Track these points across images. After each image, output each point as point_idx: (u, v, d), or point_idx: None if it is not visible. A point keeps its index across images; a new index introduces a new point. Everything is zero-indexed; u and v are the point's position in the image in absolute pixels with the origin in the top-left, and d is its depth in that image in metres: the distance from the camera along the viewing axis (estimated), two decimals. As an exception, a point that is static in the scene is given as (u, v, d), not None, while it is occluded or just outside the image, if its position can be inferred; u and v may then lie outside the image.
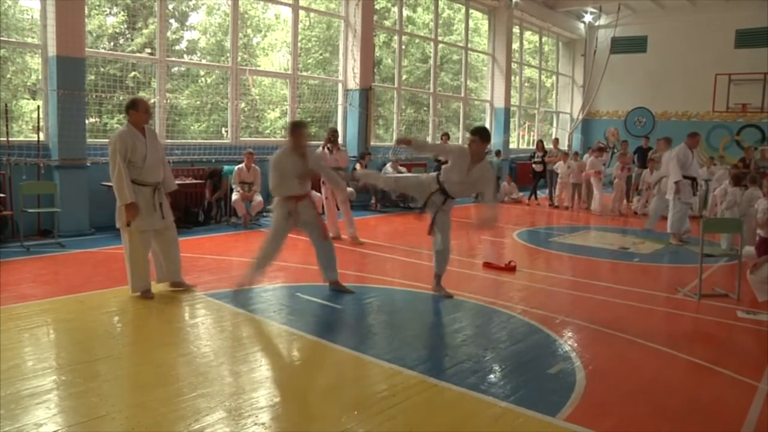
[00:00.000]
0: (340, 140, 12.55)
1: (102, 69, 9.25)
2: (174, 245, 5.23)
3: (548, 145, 15.03)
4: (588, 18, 19.46)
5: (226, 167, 9.69)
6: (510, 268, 6.56)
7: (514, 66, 17.22)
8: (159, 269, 5.26)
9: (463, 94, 15.97)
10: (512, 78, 16.95)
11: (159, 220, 5.04)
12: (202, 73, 11.70)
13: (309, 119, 12.78)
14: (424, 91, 15.50)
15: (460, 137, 15.97)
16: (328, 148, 8.15)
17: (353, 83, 12.18)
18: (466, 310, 5.09)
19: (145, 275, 5.04)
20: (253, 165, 9.26)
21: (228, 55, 10.54)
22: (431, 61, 14.96)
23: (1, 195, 7.09)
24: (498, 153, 14.99)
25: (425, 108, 15.52)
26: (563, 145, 17.13)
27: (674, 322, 4.94)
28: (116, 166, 4.73)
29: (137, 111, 4.89)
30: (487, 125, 16.96)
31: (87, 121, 8.34)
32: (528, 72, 19.04)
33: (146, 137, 4.94)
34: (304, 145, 4.99)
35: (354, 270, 6.36)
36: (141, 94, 9.69)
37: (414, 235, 8.81)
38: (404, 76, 14.90)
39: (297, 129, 5.01)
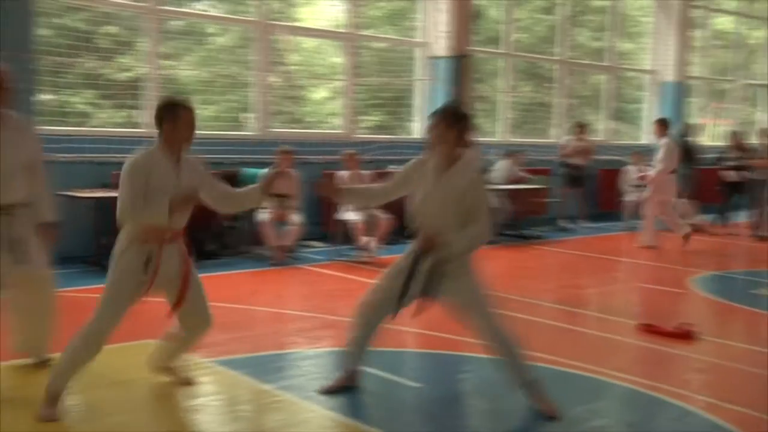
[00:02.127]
0: (417, 131, 12.68)
1: (60, 20, 9.60)
2: (40, 307, 4.96)
3: (752, 140, 14.52)
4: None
5: (247, 171, 9.97)
6: (683, 335, 6.37)
7: (695, 13, 16.83)
8: (15, 335, 5.03)
9: (609, 62, 15.72)
10: (691, 33, 16.60)
11: (6, 266, 4.65)
12: (213, 30, 12.09)
13: (372, 101, 12.97)
14: (547, 58, 15.39)
15: (603, 130, 15.71)
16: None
17: (440, 47, 12.26)
18: (612, 398, 4.96)
19: None
20: (290, 169, 9.47)
21: (252, 4, 10.88)
22: (560, 11, 14.86)
23: None
24: None
25: (549, 83, 15.40)
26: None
27: None
28: None
29: None
30: (645, 108, 16.65)
31: (33, 99, 8.59)
32: (720, 22, 18.50)
33: (1, 129, 4.63)
34: (185, 141, 4.40)
35: (442, 330, 6.29)
36: (121, 59, 10.11)
37: (530, 278, 8.71)
38: (518, 36, 14.87)
39: (174, 113, 4.36)
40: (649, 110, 16.41)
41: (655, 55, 16.38)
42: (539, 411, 4.52)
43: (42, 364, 5.02)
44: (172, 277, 4.39)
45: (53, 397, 4.22)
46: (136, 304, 4.33)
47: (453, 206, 4.43)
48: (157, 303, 4.51)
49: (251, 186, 4.67)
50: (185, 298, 4.44)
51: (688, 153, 13.58)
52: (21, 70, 8.14)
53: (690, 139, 14.29)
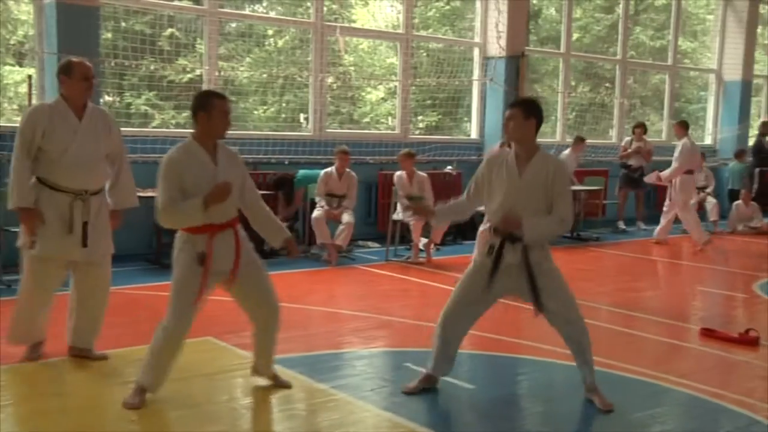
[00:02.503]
0: (473, 132, 12.64)
1: (124, 24, 9.85)
2: (98, 292, 5.16)
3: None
4: None
5: (300, 172, 10.03)
6: (748, 341, 6.21)
7: (763, 9, 16.45)
8: (68, 321, 5.24)
9: (670, 61, 15.51)
10: (758, 30, 16.22)
11: (75, 248, 4.89)
12: (270, 32, 12.20)
13: (428, 101, 12.96)
14: (606, 58, 15.22)
15: (664, 129, 15.45)
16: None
17: (496, 47, 12.22)
18: (673, 404, 4.88)
19: (29, 322, 5.07)
20: (347, 170, 9.51)
21: (309, 5, 10.97)
22: (620, 10, 14.67)
23: None
24: (741, 154, 14.41)
25: (608, 84, 15.20)
26: None
27: None
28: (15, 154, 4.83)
29: (69, 77, 4.93)
30: (710, 108, 16.32)
31: (101, 100, 8.89)
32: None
33: (83, 120, 4.91)
34: (220, 131, 4.36)
35: (496, 332, 6.27)
36: (181, 61, 10.28)
37: (587, 280, 8.60)
38: (576, 36, 14.70)
39: (208, 102, 4.32)
40: (714, 110, 16.09)
41: (720, 54, 16.02)
42: (596, 405, 4.60)
43: (83, 352, 5.19)
44: (231, 268, 4.39)
45: (139, 389, 4.37)
46: (204, 297, 4.36)
47: (538, 198, 4.49)
48: (220, 300, 4.57)
49: (280, 225, 4.70)
50: (237, 281, 4.44)
51: (762, 153, 13.35)
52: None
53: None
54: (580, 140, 12.28)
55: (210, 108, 4.26)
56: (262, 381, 4.80)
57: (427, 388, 4.77)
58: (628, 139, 13.33)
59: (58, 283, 5.15)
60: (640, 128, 13.16)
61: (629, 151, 12.96)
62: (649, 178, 11.92)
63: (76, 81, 4.90)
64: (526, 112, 4.51)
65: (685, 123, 11.64)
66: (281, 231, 4.65)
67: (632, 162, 12.94)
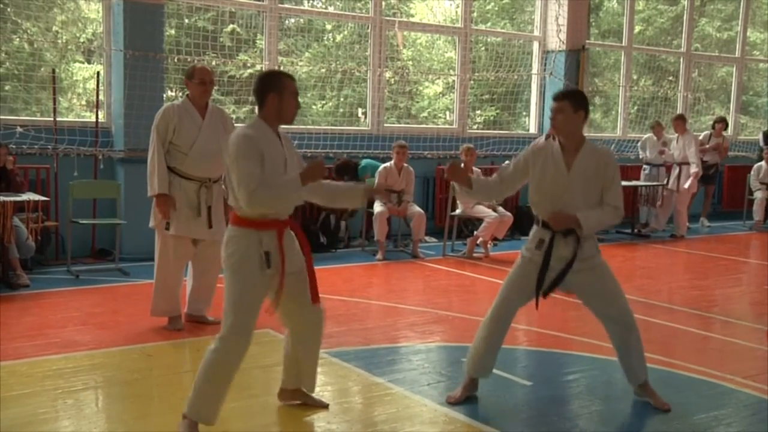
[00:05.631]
0: (531, 126, 12.50)
1: (187, 21, 9.98)
2: (213, 268, 5.85)
3: None
4: None
5: (365, 160, 10.03)
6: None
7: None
8: (187, 295, 6.08)
9: (738, 53, 15.14)
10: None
11: (203, 229, 5.70)
12: (329, 26, 12.24)
13: (486, 96, 12.85)
14: (670, 51, 14.88)
15: (731, 124, 15.05)
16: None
17: (556, 41, 12.07)
18: (738, 406, 4.76)
19: (171, 296, 5.84)
20: (405, 165, 9.49)
21: (368, 0, 10.96)
22: (685, 1, 14.33)
23: (44, 199, 7.61)
24: None
25: (671, 78, 14.86)
26: None
27: None
28: (152, 147, 5.62)
29: (191, 81, 5.68)
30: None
31: (164, 95, 9.06)
32: None
33: (206, 118, 5.69)
34: (291, 111, 4.07)
35: (554, 329, 6.20)
36: (242, 57, 10.37)
37: (647, 277, 8.43)
38: (638, 28, 14.41)
39: (280, 82, 4.03)
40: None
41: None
42: (652, 405, 4.54)
43: (201, 319, 6.02)
44: (297, 269, 4.07)
45: (190, 424, 3.92)
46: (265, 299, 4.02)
47: (588, 190, 4.40)
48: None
49: (348, 185, 4.65)
50: (312, 286, 4.11)
51: None
52: (152, 69, 8.56)
53: None
54: (658, 125, 12.14)
55: (282, 88, 3.97)
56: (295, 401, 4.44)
57: (471, 396, 4.61)
58: (706, 133, 12.94)
59: (188, 258, 5.91)
60: (722, 123, 12.79)
61: (707, 146, 12.56)
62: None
63: (196, 84, 5.63)
64: (575, 105, 4.40)
65: (684, 117, 11.87)
66: (354, 189, 4.42)
67: (707, 158, 12.50)
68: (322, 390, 4.71)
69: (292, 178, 3.88)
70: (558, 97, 4.48)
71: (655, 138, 11.83)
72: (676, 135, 11.73)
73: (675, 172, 11.68)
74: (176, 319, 5.87)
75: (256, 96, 4.02)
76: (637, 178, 12.05)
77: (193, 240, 5.79)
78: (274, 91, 3.95)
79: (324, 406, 4.41)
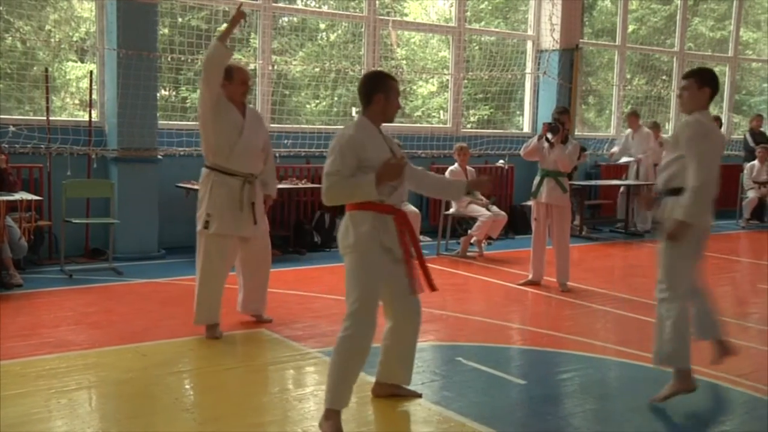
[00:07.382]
0: (525, 125, 12.50)
1: (180, 19, 9.92)
2: (264, 263, 5.91)
3: None
4: None
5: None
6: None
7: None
8: (239, 293, 6.02)
9: (731, 52, 15.18)
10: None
11: (248, 225, 5.63)
12: (323, 26, 12.24)
13: (480, 95, 12.85)
14: (663, 50, 14.90)
15: (724, 123, 15.07)
16: (547, 139, 7.63)
17: (550, 40, 12.08)
18: (733, 403, 4.77)
19: (214, 302, 5.67)
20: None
21: None
22: (678, 0, 14.35)
23: (37, 198, 7.57)
24: None
25: (665, 77, 14.89)
26: None
27: None
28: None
29: (231, 82, 5.58)
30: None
31: (158, 95, 9.03)
32: None
33: (246, 116, 5.69)
34: (395, 111, 4.33)
35: (548, 328, 6.20)
36: (236, 55, 10.31)
37: (641, 275, 8.42)
38: (632, 28, 14.43)
39: (386, 83, 4.24)
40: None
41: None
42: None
43: (258, 318, 6.03)
44: (398, 258, 4.19)
45: (331, 413, 4.06)
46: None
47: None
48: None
49: (451, 180, 4.83)
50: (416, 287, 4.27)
51: None
52: (145, 68, 8.53)
53: None
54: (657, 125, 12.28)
55: (388, 89, 4.18)
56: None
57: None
58: None
59: (233, 259, 5.82)
60: (716, 121, 12.85)
61: None
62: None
63: (236, 84, 5.61)
64: (700, 82, 4.48)
65: (637, 113, 12.19)
66: (457, 183, 4.86)
67: None
68: (317, 389, 4.71)
69: (367, 177, 3.97)
70: (686, 75, 4.60)
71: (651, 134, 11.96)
72: (629, 130, 12.08)
73: (633, 168, 11.91)
74: (214, 327, 5.66)
75: (362, 96, 4.21)
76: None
77: (240, 238, 5.71)
78: (381, 92, 4.15)
79: (418, 396, 4.56)
